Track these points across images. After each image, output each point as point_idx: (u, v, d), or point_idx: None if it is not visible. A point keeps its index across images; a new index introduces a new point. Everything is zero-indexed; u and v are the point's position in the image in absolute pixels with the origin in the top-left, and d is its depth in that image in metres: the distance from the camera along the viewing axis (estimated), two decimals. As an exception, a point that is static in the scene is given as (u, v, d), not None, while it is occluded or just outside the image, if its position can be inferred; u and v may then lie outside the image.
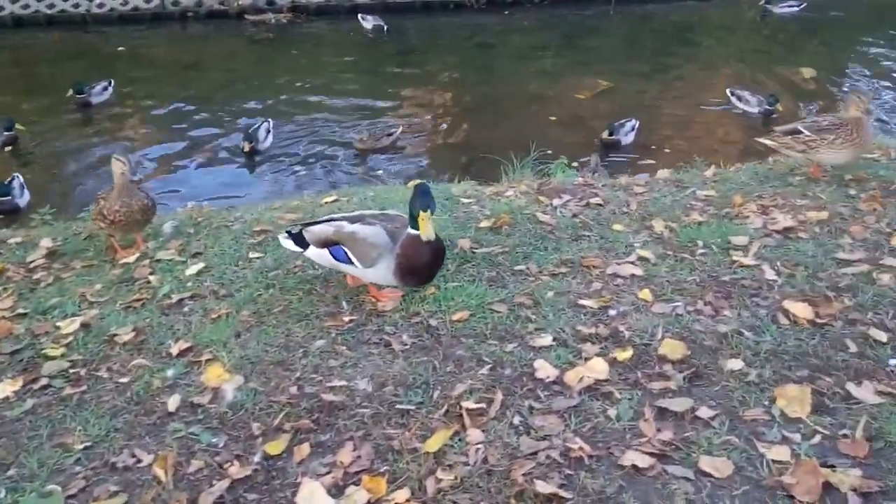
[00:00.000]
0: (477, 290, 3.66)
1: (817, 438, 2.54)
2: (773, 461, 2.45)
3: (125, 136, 11.22)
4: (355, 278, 3.70)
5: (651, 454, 2.50)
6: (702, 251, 4.00)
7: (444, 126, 11.71)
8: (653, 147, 10.57)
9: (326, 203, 5.25)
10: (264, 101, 12.41)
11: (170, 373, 3.15)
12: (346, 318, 3.48)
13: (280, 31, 16.20)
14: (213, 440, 2.72)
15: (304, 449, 2.62)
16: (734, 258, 3.88)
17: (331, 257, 3.52)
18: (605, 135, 10.63)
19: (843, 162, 4.99)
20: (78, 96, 11.96)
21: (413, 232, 3.34)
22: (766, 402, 2.75)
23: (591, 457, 2.53)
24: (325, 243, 3.52)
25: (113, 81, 12.49)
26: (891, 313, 3.27)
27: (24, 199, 9.36)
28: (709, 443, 2.56)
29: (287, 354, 3.23)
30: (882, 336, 3.07)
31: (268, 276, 4.00)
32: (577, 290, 3.67)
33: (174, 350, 3.32)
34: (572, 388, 2.91)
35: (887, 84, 13.39)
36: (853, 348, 3.03)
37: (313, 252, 3.59)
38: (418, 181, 3.48)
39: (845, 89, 13.05)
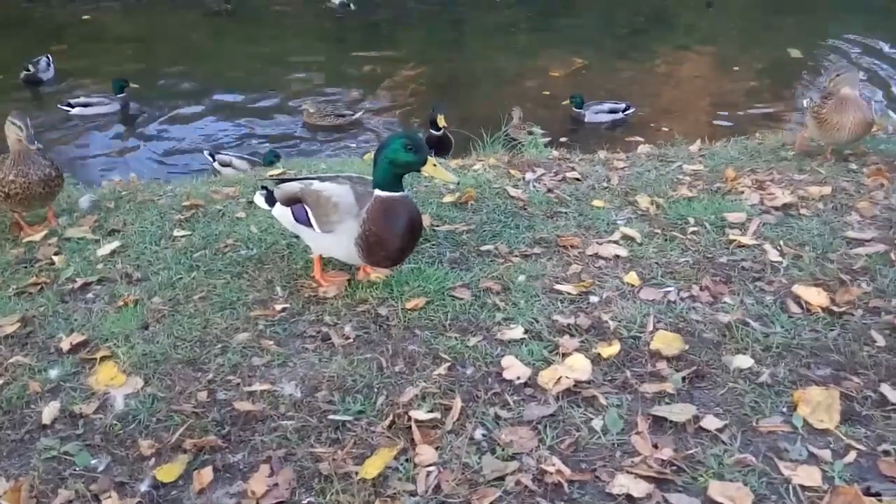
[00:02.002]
0: (436, 273, 3.12)
1: (852, 456, 2.05)
2: (802, 487, 1.94)
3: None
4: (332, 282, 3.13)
5: (648, 478, 1.98)
6: (693, 229, 3.51)
7: (412, 103, 11.10)
8: (629, 124, 10.08)
9: (272, 176, 4.65)
10: (221, 75, 11.65)
11: (53, 373, 2.56)
12: (279, 307, 2.91)
13: (239, 3, 15.34)
14: (92, 462, 2.14)
15: (207, 474, 2.05)
16: (731, 237, 3.40)
17: (292, 217, 3.01)
18: (573, 107, 10.19)
19: (820, 142, 4.57)
20: (26, 72, 11.04)
21: (385, 194, 2.75)
22: (785, 409, 2.25)
23: (571, 482, 2.00)
24: (290, 201, 3.02)
25: (50, 57, 11.51)
26: (918, 300, 2.80)
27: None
28: (719, 462, 2.05)
29: (201, 351, 2.65)
30: (913, 327, 2.60)
31: (192, 256, 3.41)
32: (553, 273, 3.15)
33: (65, 345, 2.72)
34: (548, 391, 2.38)
35: (870, 59, 13.07)
36: (880, 341, 2.55)
37: (278, 210, 3.11)
38: (392, 135, 2.87)
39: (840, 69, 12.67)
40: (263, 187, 3.27)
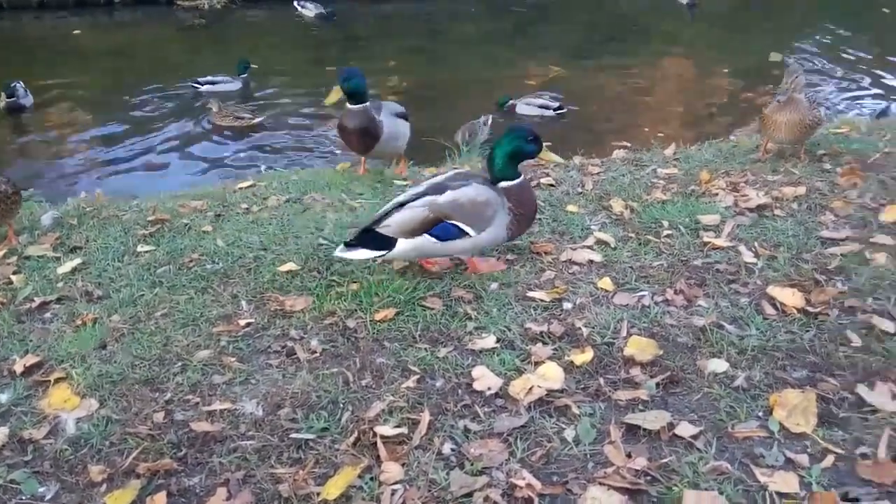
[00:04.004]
0: (406, 283, 3.04)
1: (829, 460, 1.99)
2: (779, 494, 1.88)
3: (56, 135, 10.14)
4: (436, 261, 3.21)
5: (621, 489, 1.91)
6: (668, 232, 3.46)
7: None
8: (602, 132, 10.08)
9: (241, 188, 4.56)
10: (194, 89, 11.51)
11: (3, 397, 2.44)
12: (243, 322, 2.82)
13: (214, 17, 15.25)
14: (39, 490, 2.04)
15: (160, 500, 1.95)
16: (705, 239, 3.35)
17: (434, 241, 2.93)
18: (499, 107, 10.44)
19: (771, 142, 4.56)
20: (9, 100, 10.70)
21: (516, 182, 3.03)
22: (761, 414, 2.19)
23: (542, 496, 1.93)
24: (422, 228, 2.90)
25: (23, 83, 11.15)
26: (893, 298, 2.75)
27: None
28: (694, 471, 1.98)
29: (160, 370, 2.55)
30: (888, 325, 2.55)
31: (156, 272, 3.32)
32: (526, 280, 3.09)
33: (18, 367, 2.61)
34: (519, 401, 2.31)
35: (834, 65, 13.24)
36: (857, 341, 2.50)
37: (407, 245, 2.91)
38: (509, 130, 3.09)
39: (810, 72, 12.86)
40: (345, 242, 2.95)
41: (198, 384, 2.46)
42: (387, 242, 2.91)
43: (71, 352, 2.69)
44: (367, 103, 4.46)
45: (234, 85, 11.49)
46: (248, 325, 2.80)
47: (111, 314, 2.95)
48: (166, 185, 7.73)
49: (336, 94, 4.40)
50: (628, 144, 6.56)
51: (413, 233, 2.90)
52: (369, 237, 2.94)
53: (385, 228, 2.91)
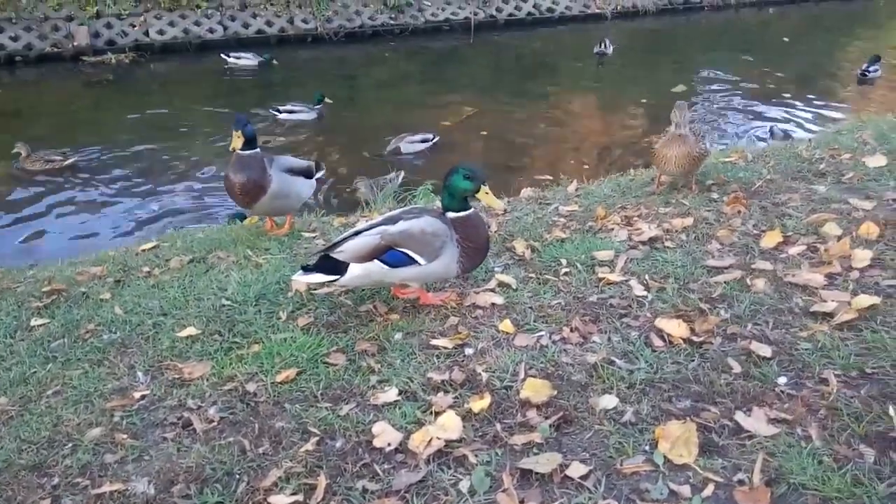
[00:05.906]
0: (310, 340, 3.04)
1: (710, 489, 2.08)
2: (661, 528, 1.96)
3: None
4: (400, 288, 3.38)
5: (513, 538, 1.95)
6: (566, 270, 3.58)
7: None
8: (516, 168, 10.34)
9: (144, 250, 4.47)
10: (103, 145, 11.19)
11: None
12: (138, 395, 2.75)
13: (122, 72, 14.93)
14: None
15: None
16: (600, 275, 3.48)
17: (384, 266, 3.07)
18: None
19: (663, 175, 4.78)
20: None
21: (463, 214, 3.14)
22: (647, 447, 2.27)
23: (436, 552, 1.94)
24: (373, 254, 3.06)
25: None
26: (771, 323, 2.92)
27: None
28: (583, 512, 2.04)
29: (48, 453, 2.45)
30: (766, 350, 2.70)
31: (49, 347, 3.21)
32: (431, 327, 3.14)
33: None
34: (418, 455, 2.32)
35: (734, 92, 14.06)
36: (737, 368, 2.64)
37: (358, 269, 3.07)
38: (455, 165, 3.16)
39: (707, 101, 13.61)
40: (303, 267, 3.14)
41: (88, 465, 2.38)
42: (340, 267, 3.07)
43: (-48, 442, 2.56)
44: (258, 150, 4.23)
45: (310, 115, 12.10)
46: (144, 397, 2.73)
47: (-2, 396, 2.83)
48: (70, 250, 7.50)
49: (239, 139, 4.13)
50: (550, 177, 6.76)
51: (364, 258, 3.06)
52: (325, 262, 3.11)
53: (339, 254, 3.08)
